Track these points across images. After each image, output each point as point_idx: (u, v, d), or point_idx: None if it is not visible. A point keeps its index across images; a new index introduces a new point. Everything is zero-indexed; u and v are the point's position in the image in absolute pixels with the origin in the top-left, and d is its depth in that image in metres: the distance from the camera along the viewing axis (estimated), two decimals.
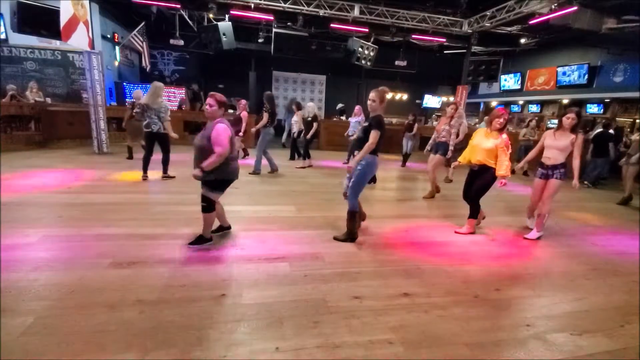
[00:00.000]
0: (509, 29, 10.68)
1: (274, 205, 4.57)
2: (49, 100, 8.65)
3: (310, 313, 2.17)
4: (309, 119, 7.40)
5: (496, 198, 5.70)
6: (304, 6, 9.23)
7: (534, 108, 14.63)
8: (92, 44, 7.04)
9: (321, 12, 9.42)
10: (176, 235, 3.29)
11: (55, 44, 8.91)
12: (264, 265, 2.80)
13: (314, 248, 3.21)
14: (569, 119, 3.72)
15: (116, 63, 11.72)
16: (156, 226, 3.50)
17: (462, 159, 4.00)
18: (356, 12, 9.61)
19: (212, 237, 3.14)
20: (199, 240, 3.06)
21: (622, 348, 2.06)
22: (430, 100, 17.67)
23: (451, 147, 5.50)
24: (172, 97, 11.89)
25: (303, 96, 16.33)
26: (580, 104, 12.69)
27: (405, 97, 17.07)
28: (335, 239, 3.44)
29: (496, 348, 1.97)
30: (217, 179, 2.90)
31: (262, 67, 14.82)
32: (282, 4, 9.07)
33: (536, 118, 13.03)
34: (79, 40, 6.66)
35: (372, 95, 3.37)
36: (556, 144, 3.79)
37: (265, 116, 6.13)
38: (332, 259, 2.99)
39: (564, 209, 5.36)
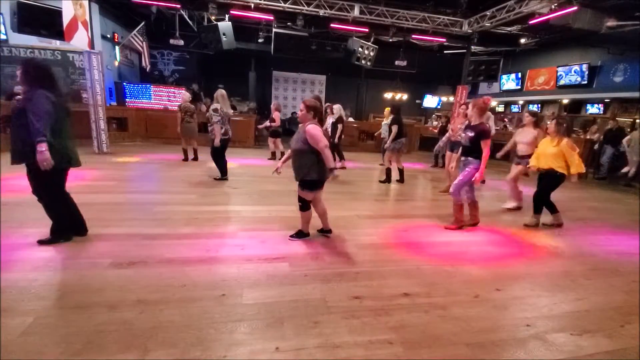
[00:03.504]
0: (509, 29, 10.68)
1: (274, 205, 4.57)
2: None
3: (310, 313, 2.17)
4: (334, 120, 7.31)
5: (496, 198, 5.70)
6: (304, 6, 9.22)
7: (533, 108, 14.62)
8: (91, 44, 7.03)
9: (321, 12, 9.41)
10: (176, 235, 3.30)
11: (55, 44, 8.90)
12: (264, 265, 2.80)
13: (314, 248, 3.21)
14: (527, 117, 4.91)
15: (116, 63, 11.71)
16: (156, 226, 3.50)
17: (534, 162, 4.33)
18: (356, 12, 9.60)
19: (309, 233, 3.40)
20: (299, 235, 3.37)
21: (622, 348, 2.05)
22: (430, 100, 17.67)
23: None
24: (172, 97, 11.90)
25: (303, 96, 16.32)
26: (580, 104, 12.69)
27: (405, 97, 17.07)
28: (446, 228, 4.00)
29: (496, 348, 1.97)
30: (316, 180, 3.12)
31: (262, 67, 14.81)
32: (282, 4, 9.07)
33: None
34: (79, 40, 6.66)
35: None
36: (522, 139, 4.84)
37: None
38: (332, 259, 2.99)
39: (564, 208, 5.35)
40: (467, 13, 10.12)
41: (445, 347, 1.94)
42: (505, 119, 15.76)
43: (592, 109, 12.26)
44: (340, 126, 7.17)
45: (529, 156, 4.51)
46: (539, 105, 14.28)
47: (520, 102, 15.13)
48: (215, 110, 5.41)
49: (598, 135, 9.25)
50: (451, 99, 14.01)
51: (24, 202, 3.95)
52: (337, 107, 7.30)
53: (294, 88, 16.77)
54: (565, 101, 13.08)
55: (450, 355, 1.89)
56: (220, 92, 5.58)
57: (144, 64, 11.55)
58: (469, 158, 3.81)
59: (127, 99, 11.48)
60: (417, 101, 17.89)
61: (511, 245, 3.73)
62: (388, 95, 16.73)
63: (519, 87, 14.36)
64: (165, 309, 2.11)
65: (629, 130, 10.82)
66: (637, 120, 10.97)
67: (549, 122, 4.24)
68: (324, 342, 1.91)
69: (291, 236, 3.37)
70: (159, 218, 3.76)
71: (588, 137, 9.02)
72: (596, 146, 8.71)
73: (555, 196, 4.27)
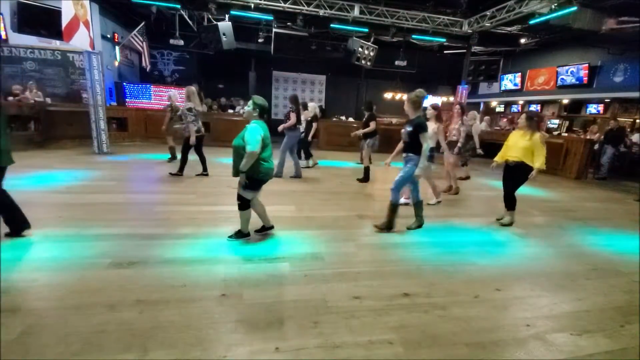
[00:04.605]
0: (509, 29, 10.69)
1: (274, 205, 4.55)
2: (48, 100, 8.64)
3: (310, 313, 2.17)
4: (309, 118, 7.35)
5: (495, 198, 5.69)
6: (304, 6, 9.22)
7: (533, 108, 14.62)
8: (92, 44, 7.03)
9: (321, 12, 9.41)
10: (176, 235, 3.30)
11: (55, 44, 8.90)
12: (264, 265, 2.80)
13: (314, 248, 3.21)
14: (430, 110, 4.92)
15: (116, 63, 11.71)
16: (156, 226, 3.50)
17: (499, 158, 4.31)
18: (356, 12, 9.60)
19: (249, 233, 3.28)
20: (238, 235, 3.23)
21: (622, 348, 2.05)
22: (430, 100, 17.68)
23: (459, 146, 5.67)
24: None
25: (303, 96, 16.31)
26: (580, 104, 12.69)
27: (405, 97, 17.05)
28: (376, 226, 3.80)
29: (496, 348, 1.97)
30: (250, 178, 3.01)
31: (262, 67, 14.80)
32: (282, 4, 9.07)
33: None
34: (80, 40, 6.65)
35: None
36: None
37: (293, 117, 6.12)
38: (332, 259, 2.99)
39: (564, 208, 5.36)
40: (467, 13, 10.13)
41: (445, 347, 1.94)
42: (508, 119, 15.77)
43: (593, 109, 12.25)
44: (315, 124, 7.21)
45: (431, 149, 4.77)
46: (539, 105, 14.29)
47: (520, 102, 15.12)
48: (190, 109, 5.39)
49: (598, 135, 9.26)
50: (451, 98, 14.01)
51: (24, 202, 3.95)
52: (312, 105, 7.32)
53: (294, 88, 16.74)
54: (565, 101, 13.08)
55: (450, 355, 1.89)
56: (191, 89, 5.52)
57: (144, 64, 11.54)
58: (410, 154, 3.68)
59: (127, 99, 11.48)
60: None
61: (511, 245, 3.72)
62: (388, 95, 16.73)
63: (518, 87, 14.37)
64: (165, 309, 2.11)
65: (629, 130, 10.85)
66: (637, 120, 10.97)
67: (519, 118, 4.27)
68: (324, 342, 1.91)
69: (230, 237, 3.23)
70: (158, 218, 3.76)
71: (588, 137, 9.02)
72: (596, 146, 8.71)
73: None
